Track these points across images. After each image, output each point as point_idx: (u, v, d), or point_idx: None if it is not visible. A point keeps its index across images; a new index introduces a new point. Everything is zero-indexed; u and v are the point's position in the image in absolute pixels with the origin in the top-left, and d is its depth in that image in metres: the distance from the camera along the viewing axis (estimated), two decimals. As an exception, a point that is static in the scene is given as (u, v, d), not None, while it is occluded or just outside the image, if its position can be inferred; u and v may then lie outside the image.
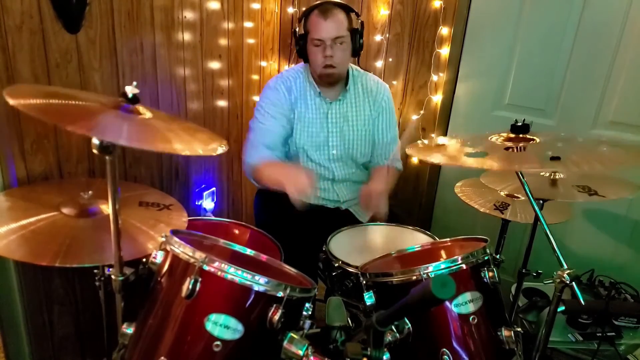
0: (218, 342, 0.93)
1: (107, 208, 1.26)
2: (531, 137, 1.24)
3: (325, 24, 1.64)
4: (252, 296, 0.96)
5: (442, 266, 1.11)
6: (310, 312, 1.08)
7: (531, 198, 1.18)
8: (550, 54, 2.07)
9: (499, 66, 2.20)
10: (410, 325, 1.07)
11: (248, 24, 2.33)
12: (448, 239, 1.41)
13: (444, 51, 2.24)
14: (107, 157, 0.98)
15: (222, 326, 0.94)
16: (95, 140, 0.94)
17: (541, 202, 1.51)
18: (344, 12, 1.68)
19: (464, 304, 1.10)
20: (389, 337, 0.99)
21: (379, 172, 1.79)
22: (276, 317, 0.96)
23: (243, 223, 1.64)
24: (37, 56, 1.40)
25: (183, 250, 1.00)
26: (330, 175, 1.85)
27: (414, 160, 2.45)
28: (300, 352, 0.96)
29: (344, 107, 1.82)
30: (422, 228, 1.71)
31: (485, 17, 2.18)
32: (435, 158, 1.19)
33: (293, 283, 1.01)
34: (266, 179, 1.62)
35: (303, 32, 1.73)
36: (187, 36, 1.95)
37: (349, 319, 1.04)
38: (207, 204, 2.33)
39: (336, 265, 1.45)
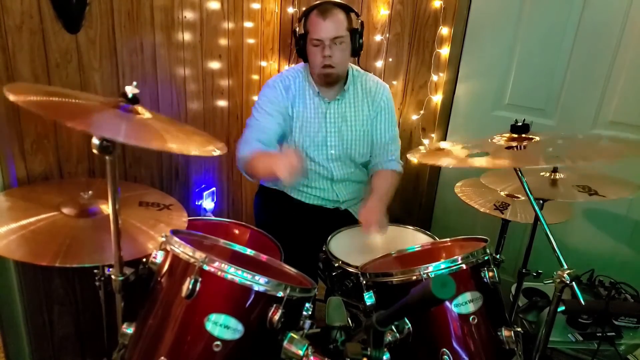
0: (218, 342, 0.93)
1: (107, 208, 1.26)
2: (531, 136, 1.25)
3: (324, 23, 1.64)
4: (252, 296, 0.96)
5: (442, 266, 1.11)
6: (310, 312, 1.08)
7: (531, 197, 1.18)
8: (550, 54, 2.07)
9: (499, 66, 2.20)
10: (410, 325, 1.07)
11: (248, 24, 2.33)
12: (448, 239, 1.41)
13: (444, 51, 2.24)
14: (107, 157, 0.98)
15: (222, 326, 0.94)
16: (95, 140, 0.94)
17: (541, 202, 1.51)
18: (344, 12, 1.68)
19: (464, 304, 1.10)
20: (389, 337, 0.99)
21: (377, 186, 1.76)
22: (276, 317, 0.96)
23: (243, 223, 1.64)
24: (37, 56, 1.40)
25: (183, 250, 1.00)
26: (329, 174, 1.85)
27: (414, 160, 2.44)
28: (300, 352, 0.96)
29: (342, 107, 1.82)
30: (422, 228, 1.71)
31: (485, 17, 2.18)
32: (444, 161, 1.19)
33: (293, 283, 1.01)
34: (257, 169, 1.58)
35: (303, 32, 1.73)
36: (187, 36, 1.95)
37: (349, 319, 1.04)
38: (207, 204, 2.33)
39: (336, 265, 1.45)
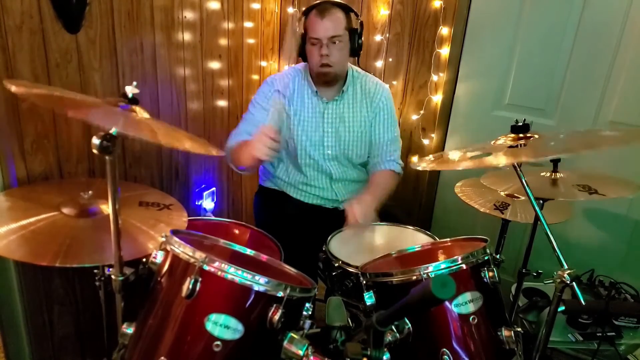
0: (218, 342, 0.93)
1: (107, 208, 1.26)
2: (534, 135, 1.25)
3: (322, 23, 1.64)
4: (252, 296, 0.96)
5: (442, 266, 1.11)
6: (310, 312, 1.08)
7: (531, 196, 1.18)
8: (550, 54, 2.07)
9: (499, 66, 2.20)
10: (410, 325, 1.07)
11: (248, 24, 2.33)
12: (448, 239, 1.41)
13: (444, 51, 2.24)
14: (107, 157, 0.98)
15: (222, 326, 0.94)
16: (95, 140, 0.94)
17: (541, 201, 1.51)
18: (343, 12, 1.68)
19: (464, 304, 1.10)
20: (389, 337, 0.99)
21: (372, 182, 1.79)
22: (276, 317, 0.95)
23: (243, 223, 1.63)
24: (37, 56, 1.40)
25: (183, 250, 1.00)
26: (327, 173, 1.86)
27: (414, 160, 2.45)
28: (300, 352, 0.96)
29: (340, 108, 1.82)
30: (422, 228, 1.71)
31: (485, 17, 2.18)
32: (463, 164, 1.18)
33: (293, 283, 1.01)
34: (238, 156, 1.62)
35: (303, 31, 1.74)
36: (187, 36, 1.95)
37: (349, 319, 1.04)
38: (207, 204, 2.33)
39: (336, 265, 1.45)
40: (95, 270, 1.22)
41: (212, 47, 2.12)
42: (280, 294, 0.98)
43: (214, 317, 0.94)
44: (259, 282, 0.96)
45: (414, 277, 1.11)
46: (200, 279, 0.95)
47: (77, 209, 1.25)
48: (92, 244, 1.16)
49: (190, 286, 0.94)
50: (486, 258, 1.16)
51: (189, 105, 2.06)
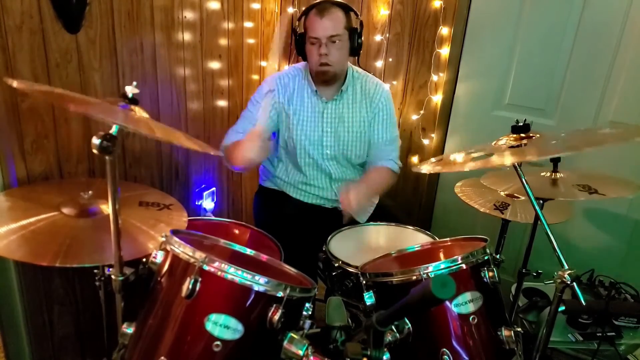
0: (218, 342, 0.93)
1: (107, 208, 1.26)
2: (535, 134, 1.25)
3: (321, 22, 1.64)
4: (252, 296, 0.96)
5: (442, 266, 1.11)
6: (310, 312, 1.08)
7: (531, 196, 1.18)
8: (550, 54, 2.07)
9: (499, 66, 2.20)
10: (410, 325, 1.07)
11: (248, 24, 2.33)
12: (448, 239, 1.41)
13: (444, 51, 2.24)
14: (107, 157, 0.98)
15: (222, 326, 0.94)
16: (95, 140, 0.94)
17: (541, 201, 1.51)
18: (342, 11, 1.68)
19: (464, 304, 1.10)
20: (389, 337, 0.99)
21: (368, 174, 1.81)
22: (276, 317, 0.96)
23: (243, 223, 1.64)
24: (37, 56, 1.40)
25: (183, 250, 1.00)
26: (327, 172, 1.86)
27: (414, 160, 2.45)
28: (300, 352, 0.96)
29: (339, 107, 1.82)
30: (422, 228, 1.71)
31: (485, 17, 2.18)
32: (469, 165, 1.18)
33: (293, 283, 1.01)
34: (232, 156, 1.63)
35: (303, 30, 1.74)
36: (187, 36, 1.95)
37: (349, 319, 1.04)
38: (207, 204, 2.33)
39: (336, 265, 1.45)
40: (95, 270, 1.22)
41: (212, 47, 2.12)
42: (280, 294, 0.98)
43: (214, 317, 0.94)
44: (259, 282, 0.96)
45: (414, 277, 1.11)
46: (200, 279, 0.95)
47: (77, 209, 1.25)
48: (92, 244, 1.16)
49: (190, 286, 0.94)
50: (486, 258, 1.16)
51: (189, 105, 2.06)
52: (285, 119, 1.82)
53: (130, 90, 1.02)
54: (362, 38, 1.77)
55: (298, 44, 1.77)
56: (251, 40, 2.39)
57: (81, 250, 1.12)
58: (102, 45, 1.58)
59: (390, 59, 2.38)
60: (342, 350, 0.93)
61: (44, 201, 1.28)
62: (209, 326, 0.94)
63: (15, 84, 0.92)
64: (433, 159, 1.38)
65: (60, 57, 1.46)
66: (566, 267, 1.11)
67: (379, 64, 2.39)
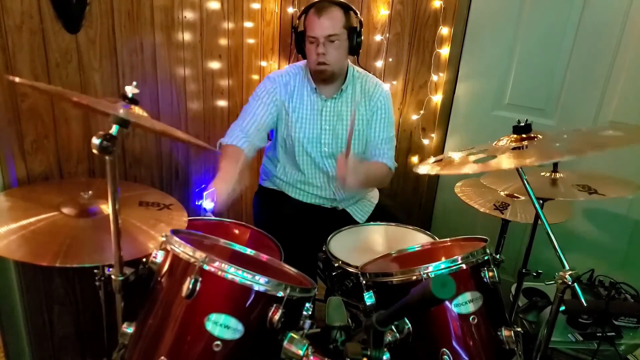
0: (218, 342, 0.93)
1: (107, 208, 1.26)
2: (535, 135, 1.24)
3: (319, 21, 1.65)
4: (252, 296, 0.96)
5: (442, 266, 1.11)
6: (310, 312, 1.08)
7: (532, 196, 1.18)
8: (550, 54, 2.07)
9: (499, 66, 2.20)
10: (410, 325, 1.07)
11: (248, 24, 2.33)
12: (448, 239, 1.41)
13: (444, 51, 2.24)
14: (107, 157, 0.98)
15: (222, 326, 0.94)
16: (95, 140, 0.94)
17: (541, 201, 1.51)
18: (341, 10, 1.69)
19: (464, 304, 1.10)
20: (389, 337, 0.99)
21: (368, 162, 1.82)
22: (276, 317, 0.95)
23: (243, 223, 1.64)
24: (37, 56, 1.40)
25: (183, 250, 1.00)
26: (325, 171, 1.86)
27: (414, 160, 2.45)
28: (300, 352, 0.96)
29: (338, 106, 1.82)
30: (422, 228, 1.71)
31: (485, 17, 2.18)
32: (469, 168, 1.18)
33: (293, 283, 1.01)
34: (220, 162, 1.69)
35: (302, 29, 1.74)
36: (187, 36, 1.95)
37: (349, 319, 1.04)
38: (207, 204, 2.32)
39: (336, 265, 1.45)
40: (95, 270, 1.22)
41: (212, 47, 2.12)
42: (280, 294, 0.98)
43: (214, 317, 0.94)
44: (259, 282, 0.96)
45: (414, 277, 1.11)
46: (200, 279, 0.95)
47: (77, 209, 1.25)
48: (92, 244, 1.16)
49: (191, 286, 0.94)
50: (486, 258, 1.16)
51: (189, 105, 2.06)
52: (285, 117, 1.82)
53: (130, 90, 1.02)
54: (362, 37, 1.77)
55: (298, 43, 1.78)
56: (251, 40, 2.39)
57: (81, 250, 1.12)
58: (102, 45, 1.58)
59: (390, 59, 2.38)
60: (342, 350, 0.93)
61: (44, 201, 1.28)
62: (209, 326, 0.94)
63: (17, 79, 0.92)
64: (432, 159, 1.38)
65: (60, 57, 1.46)
66: (567, 267, 1.11)
67: (379, 64, 2.39)
